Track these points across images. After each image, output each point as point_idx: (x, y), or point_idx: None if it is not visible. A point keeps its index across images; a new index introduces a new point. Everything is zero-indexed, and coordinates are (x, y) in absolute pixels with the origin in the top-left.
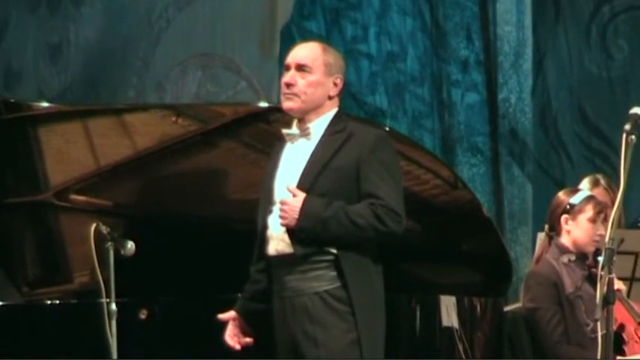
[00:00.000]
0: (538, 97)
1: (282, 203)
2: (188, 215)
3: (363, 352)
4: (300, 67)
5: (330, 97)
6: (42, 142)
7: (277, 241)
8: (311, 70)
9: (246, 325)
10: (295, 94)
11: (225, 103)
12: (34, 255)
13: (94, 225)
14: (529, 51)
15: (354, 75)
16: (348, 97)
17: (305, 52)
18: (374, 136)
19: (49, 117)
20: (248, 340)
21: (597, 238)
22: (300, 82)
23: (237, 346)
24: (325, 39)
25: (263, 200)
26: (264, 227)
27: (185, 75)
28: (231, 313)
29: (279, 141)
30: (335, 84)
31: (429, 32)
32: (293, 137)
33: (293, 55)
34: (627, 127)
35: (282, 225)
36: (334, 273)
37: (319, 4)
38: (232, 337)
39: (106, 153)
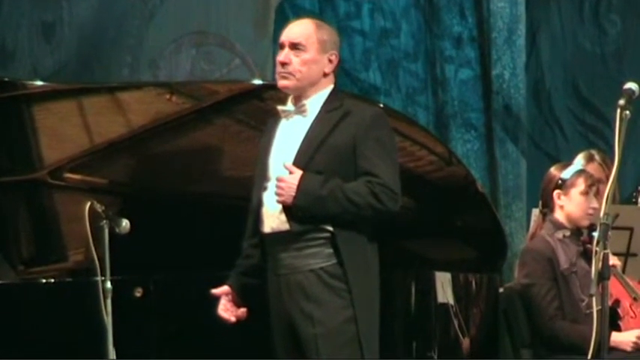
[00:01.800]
0: (531, 73)
1: (279, 180)
2: (183, 193)
3: (359, 329)
4: (294, 46)
5: (325, 74)
6: (36, 121)
7: (273, 219)
8: (305, 48)
9: (239, 300)
10: (290, 73)
11: (220, 81)
12: (29, 234)
13: (88, 203)
14: (522, 27)
15: (348, 52)
16: (341, 73)
17: (298, 30)
18: (370, 113)
19: (44, 96)
20: (242, 312)
21: (591, 212)
22: (295, 60)
23: (232, 319)
24: (318, 16)
25: (257, 177)
26: (259, 204)
27: (179, 53)
28: (224, 288)
29: (273, 117)
30: (330, 60)
31: (423, 8)
32: (288, 114)
33: (287, 34)
34: (621, 102)
35: (279, 202)
36: (330, 250)
37: None
38: (226, 311)
39: (100, 131)
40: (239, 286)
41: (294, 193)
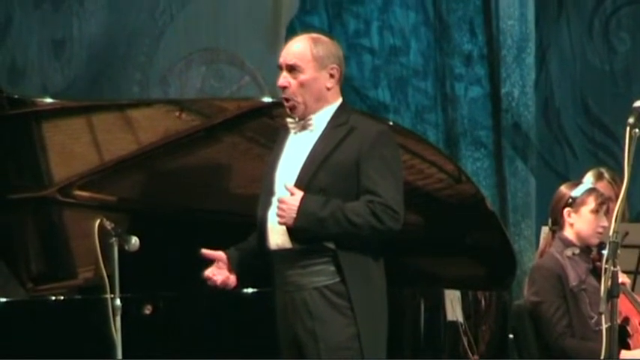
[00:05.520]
0: (541, 90)
1: (280, 201)
2: (192, 210)
3: (362, 347)
4: (291, 68)
5: (328, 89)
6: (46, 138)
7: (277, 235)
8: (301, 68)
9: (233, 270)
10: (292, 100)
11: (229, 98)
12: (38, 251)
13: (97, 220)
14: (532, 45)
15: (357, 69)
16: (350, 91)
17: (294, 50)
18: (375, 131)
19: (53, 113)
20: (228, 278)
21: (601, 230)
22: (292, 82)
23: (215, 279)
24: (328, 33)
25: (264, 190)
26: (264, 219)
27: (189, 70)
28: (218, 253)
29: (284, 131)
30: (331, 75)
31: (432, 26)
32: (295, 127)
33: (283, 56)
34: (631, 120)
35: (280, 223)
36: (333, 268)
37: None
38: (213, 274)
39: (109, 148)
40: (234, 258)
41: (294, 215)
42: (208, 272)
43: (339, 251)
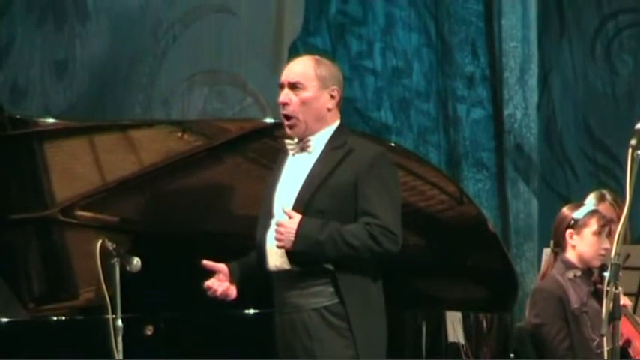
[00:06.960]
0: (543, 112)
1: (278, 225)
2: (194, 231)
3: None
4: (293, 85)
5: (328, 110)
6: (48, 158)
7: (276, 257)
8: (303, 86)
9: (232, 282)
10: (292, 117)
11: (231, 119)
12: (40, 271)
13: (99, 241)
14: (534, 66)
15: (360, 91)
16: (353, 112)
17: (296, 69)
18: (372, 152)
19: (55, 133)
20: (228, 288)
21: (602, 252)
22: (294, 99)
23: (215, 289)
24: (331, 55)
25: (263, 212)
26: (262, 240)
27: (191, 91)
28: (221, 265)
29: (282, 153)
30: (332, 96)
31: (435, 48)
32: (294, 149)
33: (286, 74)
34: (633, 142)
35: (278, 247)
36: (332, 289)
37: (325, 20)
38: (212, 283)
39: (111, 169)
40: (235, 270)
41: (293, 238)
42: (209, 282)
43: (338, 273)
